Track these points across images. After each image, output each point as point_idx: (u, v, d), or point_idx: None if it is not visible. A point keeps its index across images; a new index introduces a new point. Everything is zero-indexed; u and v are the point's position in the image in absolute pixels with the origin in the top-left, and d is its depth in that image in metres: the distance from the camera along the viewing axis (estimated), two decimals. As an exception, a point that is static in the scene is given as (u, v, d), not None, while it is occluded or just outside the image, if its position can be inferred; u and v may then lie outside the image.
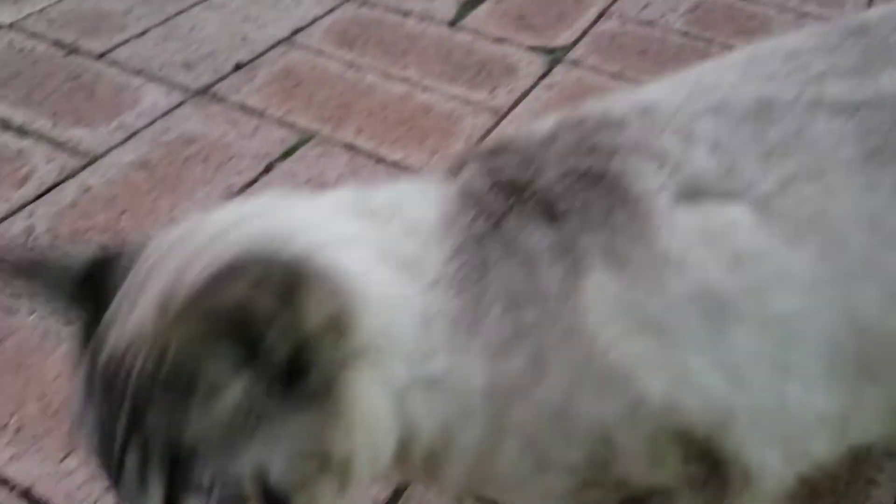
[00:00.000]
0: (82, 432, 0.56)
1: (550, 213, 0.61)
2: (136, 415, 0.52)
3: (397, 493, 0.97)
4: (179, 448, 0.52)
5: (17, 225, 1.36)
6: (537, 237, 0.60)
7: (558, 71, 1.69)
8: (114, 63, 1.71)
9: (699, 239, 0.61)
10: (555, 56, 1.74)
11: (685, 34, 1.82)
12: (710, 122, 0.65)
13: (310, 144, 1.55)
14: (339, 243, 0.58)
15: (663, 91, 0.71)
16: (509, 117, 1.56)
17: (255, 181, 1.47)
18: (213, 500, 0.52)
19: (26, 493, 1.01)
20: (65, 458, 1.05)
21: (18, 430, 1.08)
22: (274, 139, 1.55)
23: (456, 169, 0.66)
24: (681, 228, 0.61)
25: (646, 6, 1.91)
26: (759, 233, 0.60)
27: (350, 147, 1.53)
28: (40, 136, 1.54)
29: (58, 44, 1.75)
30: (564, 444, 0.62)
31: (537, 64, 1.71)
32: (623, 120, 0.67)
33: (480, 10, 1.89)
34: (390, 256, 0.59)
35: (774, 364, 0.61)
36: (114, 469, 0.53)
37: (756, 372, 0.61)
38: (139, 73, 1.68)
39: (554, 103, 1.58)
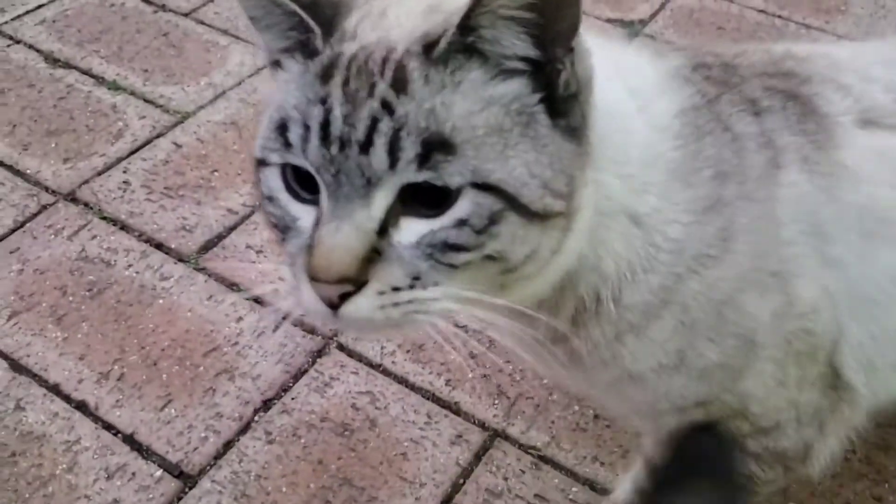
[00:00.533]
0: (291, 130, 0.54)
1: (755, 107, 0.67)
2: (387, 98, 0.51)
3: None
4: (436, 139, 0.51)
5: (114, 179, 1.41)
6: (745, 123, 0.65)
7: (635, 45, 1.65)
8: (201, 21, 1.73)
9: (874, 158, 0.67)
10: (632, 29, 1.72)
11: (762, 12, 1.78)
12: (881, 69, 0.73)
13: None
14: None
15: (829, 48, 0.80)
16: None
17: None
18: (457, 210, 0.52)
19: (129, 439, 1.07)
20: (164, 406, 1.10)
21: (120, 377, 1.13)
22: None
23: (661, 55, 0.70)
24: (860, 147, 0.67)
25: None
26: None
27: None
28: (132, 93, 1.57)
29: (147, 0, 1.78)
30: (712, 339, 0.65)
31: (615, 37, 1.65)
32: (808, 57, 0.74)
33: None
34: (624, 86, 0.63)
35: None
36: (351, 159, 0.52)
37: (891, 296, 0.67)
38: (225, 32, 1.71)
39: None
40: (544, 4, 0.51)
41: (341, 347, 1.17)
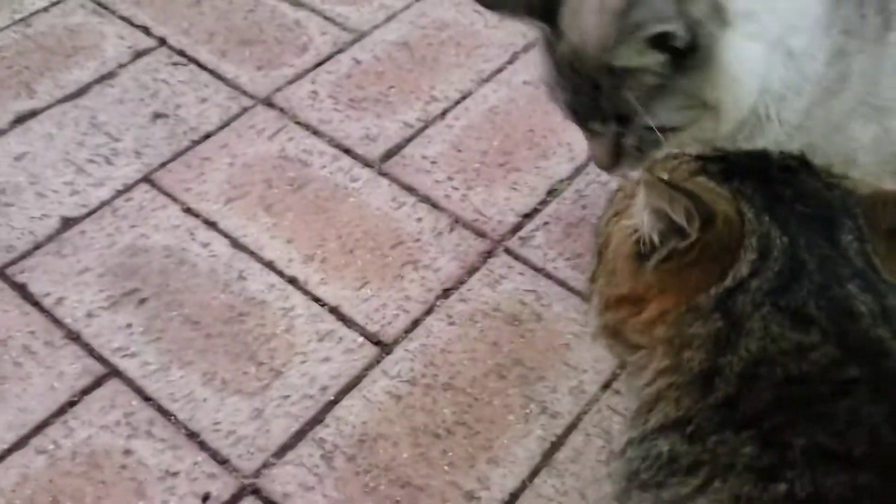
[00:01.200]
0: (556, 97, 0.94)
1: None
2: (595, 87, 0.86)
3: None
4: (624, 109, 0.86)
5: (304, 88, 1.60)
6: None
7: None
8: (371, -55, 1.88)
9: None
10: None
11: None
12: None
13: (549, 40, 1.70)
14: None
15: None
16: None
17: (501, 69, 1.65)
18: (637, 140, 0.88)
19: (334, 311, 1.28)
20: (361, 287, 1.31)
21: (323, 260, 1.35)
22: (517, 31, 1.71)
23: None
24: None
25: None
26: None
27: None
28: (312, 9, 1.75)
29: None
30: (824, 157, 0.88)
31: None
32: None
33: None
34: None
35: None
36: (585, 122, 0.92)
37: None
38: (394, -42, 1.85)
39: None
40: None
41: (508, 251, 1.36)
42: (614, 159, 0.91)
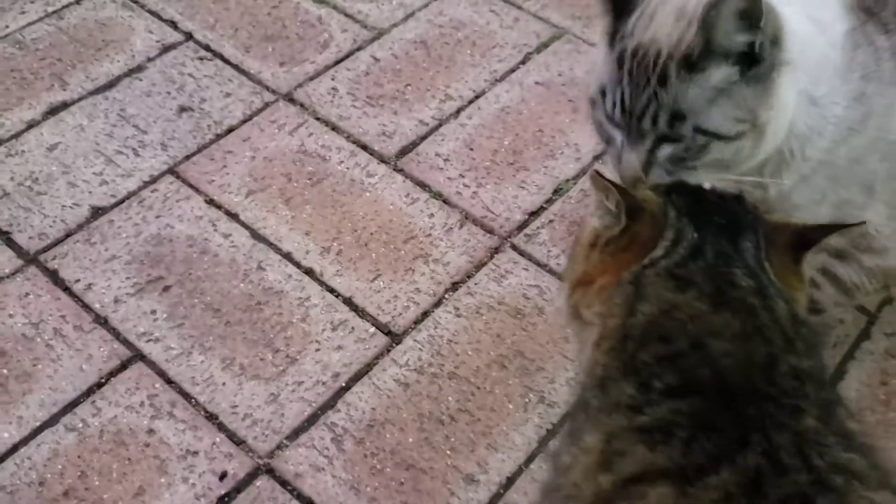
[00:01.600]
0: (600, 108, 0.95)
1: (886, 28, 0.97)
2: (661, 82, 0.88)
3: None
4: (677, 114, 0.88)
5: (324, 85, 1.66)
6: (882, 40, 0.96)
7: None
8: (392, -57, 1.93)
9: None
10: None
11: None
12: None
13: (562, 41, 1.75)
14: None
15: None
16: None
17: (514, 69, 1.70)
18: (686, 144, 0.89)
19: (348, 301, 1.35)
20: (374, 279, 1.38)
21: (339, 252, 1.41)
22: (531, 31, 1.76)
23: None
24: None
25: None
26: None
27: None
28: (334, 6, 1.81)
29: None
30: (845, 185, 0.99)
31: None
32: None
33: None
34: (811, 19, 0.93)
35: None
36: (634, 121, 0.91)
37: None
38: (413, -44, 1.90)
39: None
40: (746, 14, 0.84)
41: (514, 247, 1.42)
42: (646, 168, 0.92)
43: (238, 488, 1.15)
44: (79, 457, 1.17)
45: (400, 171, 1.52)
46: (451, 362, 1.27)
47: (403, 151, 1.55)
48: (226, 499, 1.14)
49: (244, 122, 1.60)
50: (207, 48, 1.72)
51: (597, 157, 1.54)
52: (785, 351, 0.71)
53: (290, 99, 1.63)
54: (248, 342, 1.30)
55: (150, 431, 1.20)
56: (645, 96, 0.89)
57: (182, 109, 1.61)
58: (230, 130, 1.58)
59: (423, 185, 1.50)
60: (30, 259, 1.38)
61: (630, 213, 0.78)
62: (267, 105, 1.62)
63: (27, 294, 1.33)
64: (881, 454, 0.68)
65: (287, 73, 1.68)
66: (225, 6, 1.80)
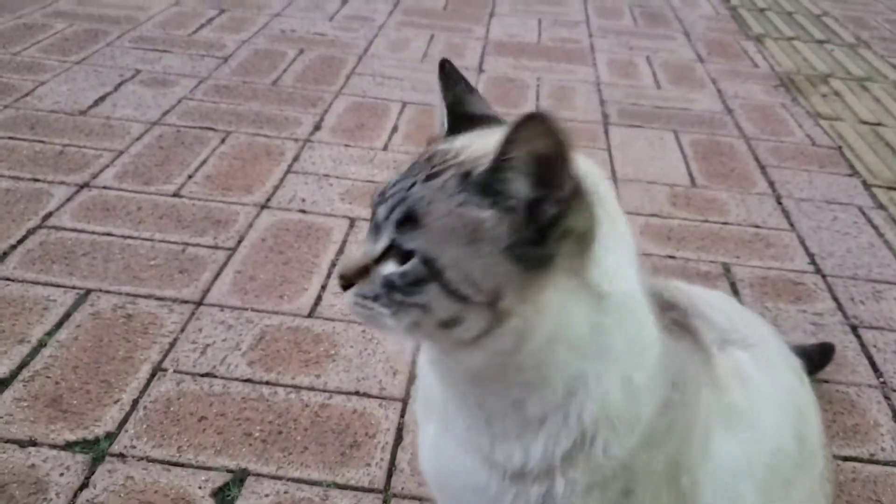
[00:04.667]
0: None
1: (675, 335, 0.85)
2: (406, 183, 0.74)
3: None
4: (413, 213, 0.72)
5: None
6: (675, 344, 0.84)
7: (101, 475, 1.33)
8: None
9: (729, 371, 0.91)
10: (98, 450, 1.38)
11: (248, 381, 1.55)
12: (708, 296, 1.04)
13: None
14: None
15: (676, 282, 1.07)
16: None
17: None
18: (403, 266, 0.72)
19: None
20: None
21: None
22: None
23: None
24: (722, 366, 0.91)
25: (205, 349, 1.62)
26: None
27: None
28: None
29: None
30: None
31: (75, 470, 1.33)
32: (678, 288, 1.02)
33: (5, 399, 1.46)
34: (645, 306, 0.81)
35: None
36: (381, 206, 0.75)
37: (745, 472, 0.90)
38: None
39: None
40: (544, 162, 0.68)
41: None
42: (360, 273, 0.75)
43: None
44: None
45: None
46: None
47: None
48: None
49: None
50: None
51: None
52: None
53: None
54: None
55: None
56: (400, 185, 0.74)
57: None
58: None
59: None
60: None
61: None
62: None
63: None
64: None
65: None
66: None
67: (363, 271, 0.75)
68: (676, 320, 0.88)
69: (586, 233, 0.72)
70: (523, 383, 0.75)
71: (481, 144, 0.75)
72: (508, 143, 0.68)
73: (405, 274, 0.72)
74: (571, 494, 0.78)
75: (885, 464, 1.49)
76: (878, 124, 3.00)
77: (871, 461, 1.49)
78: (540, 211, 0.70)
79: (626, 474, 0.79)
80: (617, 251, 0.75)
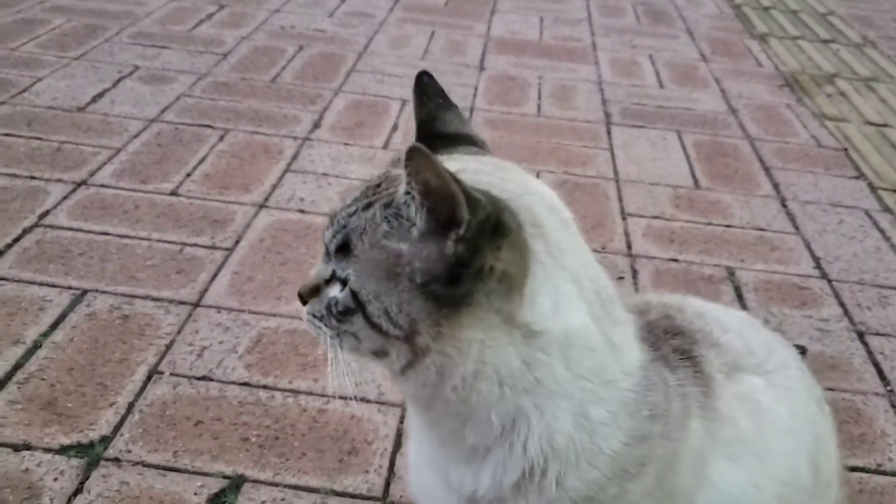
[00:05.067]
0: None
1: (671, 364, 0.84)
2: (350, 210, 0.75)
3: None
4: (347, 241, 0.74)
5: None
6: (667, 374, 0.83)
7: (95, 480, 1.30)
8: None
9: (736, 400, 0.87)
10: (93, 455, 1.35)
11: (245, 384, 1.53)
12: (727, 318, 0.98)
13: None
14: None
15: (688, 299, 1.03)
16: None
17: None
18: (339, 293, 0.74)
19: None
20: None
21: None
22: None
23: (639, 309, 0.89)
24: (727, 395, 0.87)
25: (202, 352, 1.59)
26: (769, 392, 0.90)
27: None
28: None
29: None
30: None
31: (69, 475, 1.31)
32: (683, 308, 0.97)
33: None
34: (600, 324, 0.78)
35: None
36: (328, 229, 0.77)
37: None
38: None
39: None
40: (434, 197, 0.69)
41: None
42: (313, 291, 0.77)
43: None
44: None
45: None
46: None
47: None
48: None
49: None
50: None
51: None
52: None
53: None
54: None
55: None
56: (348, 210, 0.75)
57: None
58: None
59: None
60: None
61: None
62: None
63: None
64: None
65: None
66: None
67: (315, 290, 0.77)
68: (678, 348, 0.87)
69: (512, 273, 0.71)
70: (455, 415, 0.76)
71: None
72: (408, 173, 0.69)
73: (337, 302, 0.74)
74: None
75: (893, 474, 1.46)
76: (885, 125, 2.97)
77: (878, 472, 1.47)
78: (446, 248, 0.69)
79: None
80: (559, 287, 0.74)
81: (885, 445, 1.52)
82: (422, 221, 0.70)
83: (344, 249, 0.74)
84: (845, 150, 2.75)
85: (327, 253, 0.76)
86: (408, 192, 0.70)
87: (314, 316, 0.77)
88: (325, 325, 0.76)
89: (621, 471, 0.78)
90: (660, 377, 0.81)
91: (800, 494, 0.92)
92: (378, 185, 0.76)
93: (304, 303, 0.78)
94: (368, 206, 0.74)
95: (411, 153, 0.67)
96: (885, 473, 1.46)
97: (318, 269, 0.78)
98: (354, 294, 0.72)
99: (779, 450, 0.90)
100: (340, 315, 0.74)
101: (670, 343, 0.86)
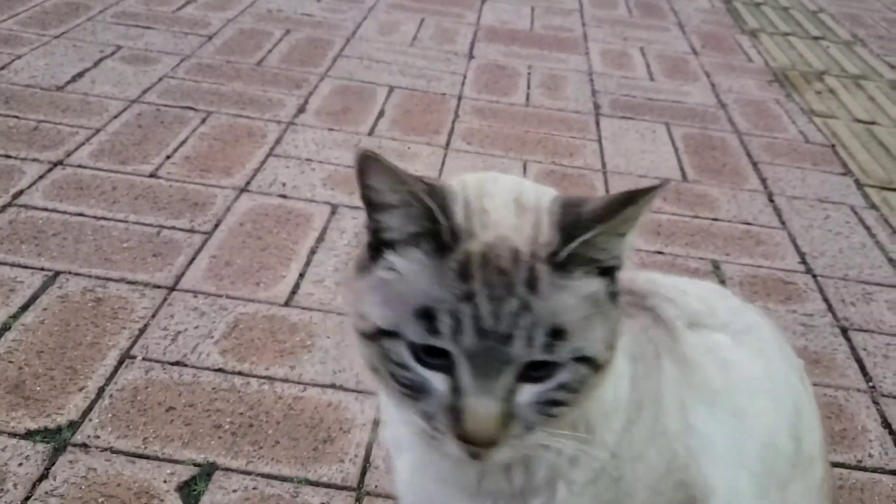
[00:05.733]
0: (439, 320, 0.64)
1: (629, 312, 0.81)
2: (526, 298, 0.64)
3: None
4: (557, 329, 0.64)
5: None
6: (628, 320, 0.79)
7: (62, 466, 1.27)
8: None
9: (703, 350, 0.88)
10: (60, 440, 1.32)
11: (220, 371, 1.50)
12: (686, 285, 0.98)
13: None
14: None
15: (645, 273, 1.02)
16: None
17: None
18: (559, 379, 0.66)
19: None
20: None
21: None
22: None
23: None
24: (692, 343, 0.88)
25: (176, 336, 1.56)
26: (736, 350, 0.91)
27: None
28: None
29: None
30: (628, 492, 0.81)
31: (35, 460, 1.28)
32: (636, 279, 0.96)
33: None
34: None
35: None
36: (495, 346, 0.63)
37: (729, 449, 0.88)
38: None
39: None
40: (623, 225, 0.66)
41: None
42: (506, 420, 0.65)
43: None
44: None
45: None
46: None
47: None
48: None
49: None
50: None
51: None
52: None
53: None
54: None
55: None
56: (511, 308, 0.63)
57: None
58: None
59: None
60: None
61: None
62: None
63: None
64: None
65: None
66: None
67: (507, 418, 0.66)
68: (631, 302, 0.86)
69: None
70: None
71: (506, 218, 0.67)
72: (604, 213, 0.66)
73: (567, 384, 0.67)
74: (570, 495, 0.77)
75: (873, 471, 1.45)
76: (873, 123, 2.96)
77: (859, 468, 1.45)
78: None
79: (614, 461, 0.78)
80: None
81: (866, 441, 1.51)
82: (614, 253, 0.71)
83: (554, 336, 0.66)
84: (833, 146, 2.73)
85: (503, 363, 0.65)
86: (607, 236, 0.68)
87: (516, 437, 0.68)
88: (532, 431, 0.68)
89: (628, 418, 0.79)
90: (627, 323, 0.78)
91: (781, 463, 0.90)
92: (515, 270, 0.66)
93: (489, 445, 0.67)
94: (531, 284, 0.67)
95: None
96: (864, 469, 1.45)
97: (490, 402, 0.65)
98: (586, 359, 0.68)
99: (755, 411, 0.88)
100: (574, 391, 0.68)
101: (623, 298, 0.83)
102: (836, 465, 1.44)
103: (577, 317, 0.66)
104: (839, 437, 1.50)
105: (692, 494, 0.84)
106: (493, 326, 0.63)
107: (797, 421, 0.93)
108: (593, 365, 0.67)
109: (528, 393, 0.66)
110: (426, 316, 0.64)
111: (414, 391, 0.67)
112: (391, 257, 0.67)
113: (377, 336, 0.67)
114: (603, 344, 0.68)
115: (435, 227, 0.65)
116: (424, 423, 0.67)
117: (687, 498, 0.84)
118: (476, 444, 0.65)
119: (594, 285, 0.67)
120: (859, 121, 2.96)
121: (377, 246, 0.69)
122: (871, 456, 1.48)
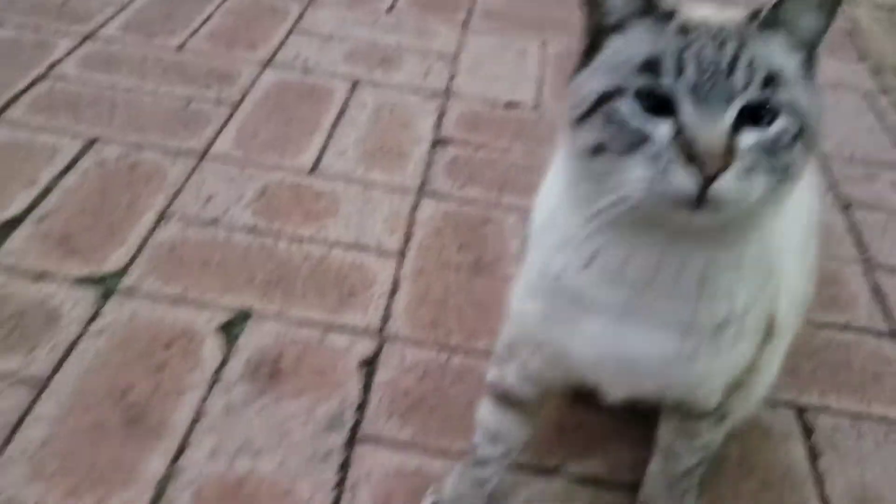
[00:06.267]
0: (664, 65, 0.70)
1: None
2: (743, 41, 0.70)
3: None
4: (772, 73, 0.70)
5: None
6: None
7: (110, 308, 1.40)
8: None
9: None
10: (107, 285, 1.44)
11: (252, 230, 1.60)
12: None
13: None
14: None
15: None
16: (50, 389, 1.25)
17: None
18: (777, 130, 0.71)
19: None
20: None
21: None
22: None
23: None
24: None
25: (209, 200, 1.66)
26: None
27: None
28: None
29: None
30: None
31: (85, 303, 1.40)
32: None
33: (17, 236, 1.52)
34: None
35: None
36: (718, 80, 0.69)
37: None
38: None
39: (104, 355, 1.31)
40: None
41: None
42: (727, 157, 0.68)
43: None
44: None
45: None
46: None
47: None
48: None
49: None
50: None
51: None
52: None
53: None
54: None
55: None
56: (731, 48, 0.69)
57: None
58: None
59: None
60: None
61: None
62: None
63: None
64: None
65: None
66: None
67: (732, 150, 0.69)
68: None
69: None
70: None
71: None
72: None
73: (782, 133, 0.71)
74: (749, 299, 0.84)
75: (857, 331, 1.55)
76: (894, 9, 2.94)
77: (846, 328, 1.55)
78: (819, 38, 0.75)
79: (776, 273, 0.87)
80: None
81: (855, 307, 1.60)
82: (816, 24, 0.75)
83: (770, 80, 0.71)
84: (850, 32, 2.73)
85: (725, 101, 0.70)
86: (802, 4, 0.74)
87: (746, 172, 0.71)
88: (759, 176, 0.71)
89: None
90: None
91: (803, 233, 1.00)
92: (725, 29, 0.73)
93: (713, 180, 0.69)
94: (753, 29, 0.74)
95: None
96: (850, 329, 1.55)
97: (717, 128, 0.69)
98: (799, 114, 0.72)
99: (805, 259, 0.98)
100: (787, 147, 0.72)
101: None
102: (825, 324, 1.54)
103: (788, 72, 0.72)
104: (830, 302, 1.60)
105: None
106: (715, 59, 0.69)
107: (805, 246, 1.02)
108: (802, 133, 0.71)
109: (749, 136, 0.69)
110: (649, 68, 0.70)
111: (627, 150, 0.70)
112: (613, 38, 0.74)
113: (598, 105, 0.72)
114: (810, 117, 0.72)
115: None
116: (649, 170, 0.69)
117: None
118: (707, 165, 0.67)
119: (798, 56, 0.73)
120: (881, 6, 2.94)
121: (594, 44, 0.76)
122: (858, 319, 1.58)
